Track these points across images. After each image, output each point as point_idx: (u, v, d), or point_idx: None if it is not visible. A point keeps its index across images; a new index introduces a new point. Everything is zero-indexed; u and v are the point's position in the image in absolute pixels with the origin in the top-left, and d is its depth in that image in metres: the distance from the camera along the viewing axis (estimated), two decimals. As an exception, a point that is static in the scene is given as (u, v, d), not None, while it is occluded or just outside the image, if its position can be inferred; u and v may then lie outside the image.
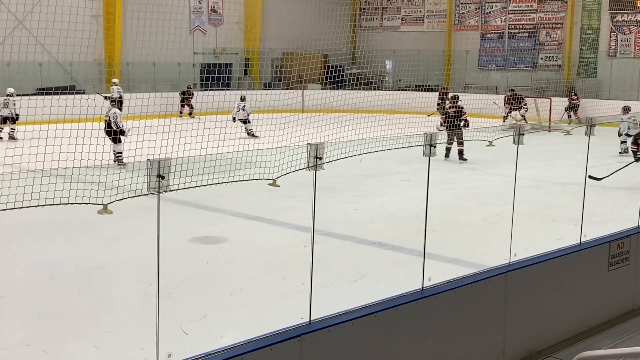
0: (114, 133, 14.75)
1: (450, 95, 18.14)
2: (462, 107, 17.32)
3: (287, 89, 26.60)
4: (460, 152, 16.78)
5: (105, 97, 19.35)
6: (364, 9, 35.69)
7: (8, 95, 19.82)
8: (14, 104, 19.61)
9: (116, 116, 15.11)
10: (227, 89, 26.28)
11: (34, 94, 21.76)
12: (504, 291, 6.05)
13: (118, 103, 16.20)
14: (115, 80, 24.05)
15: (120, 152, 14.56)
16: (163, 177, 5.57)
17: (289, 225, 10.33)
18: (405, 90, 27.39)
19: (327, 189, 12.26)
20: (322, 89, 28.70)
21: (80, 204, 9.63)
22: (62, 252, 8.80)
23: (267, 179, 11.95)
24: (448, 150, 16.88)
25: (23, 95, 20.96)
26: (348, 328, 5.03)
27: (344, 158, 9.35)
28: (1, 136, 19.27)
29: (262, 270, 8.31)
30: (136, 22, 25.81)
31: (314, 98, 25.63)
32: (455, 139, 16.58)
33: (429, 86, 28.53)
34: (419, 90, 26.55)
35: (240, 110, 21.32)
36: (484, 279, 5.93)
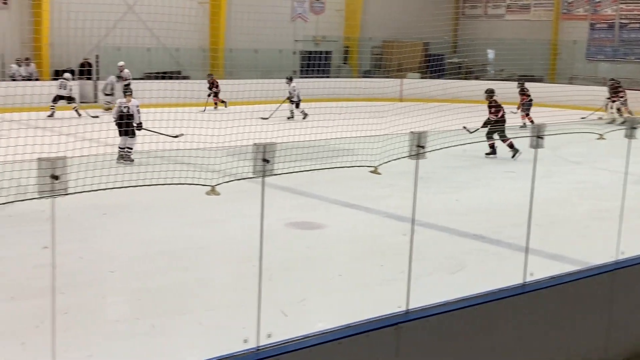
0: (130, 125, 13.04)
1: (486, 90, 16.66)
2: (493, 105, 15.98)
3: (386, 77, 26.47)
4: (510, 146, 15.20)
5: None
6: (468, -3, 35.11)
7: (65, 78, 20.43)
8: (70, 88, 20.28)
9: (138, 109, 13.44)
10: (326, 77, 26.44)
11: (142, 78, 22.53)
12: (609, 290, 5.87)
13: (129, 92, 14.11)
14: (121, 63, 23.85)
15: (131, 148, 12.94)
16: (268, 161, 5.68)
17: (385, 214, 10.33)
18: (508, 80, 26.77)
19: (424, 179, 12.17)
20: (421, 78, 28.42)
21: (191, 184, 10.01)
22: (170, 230, 9.10)
23: (369, 166, 12.00)
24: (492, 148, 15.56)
25: (132, 79, 21.72)
26: (446, 319, 5.01)
27: (446, 147, 9.28)
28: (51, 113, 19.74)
29: (360, 257, 8.36)
30: (240, 9, 26.32)
31: (412, 87, 25.41)
32: (498, 136, 15.39)
33: (533, 76, 27.79)
34: (522, 80, 25.88)
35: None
36: (588, 277, 5.78)
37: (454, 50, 31.32)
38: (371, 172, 12.32)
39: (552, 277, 5.64)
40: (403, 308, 4.99)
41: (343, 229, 9.64)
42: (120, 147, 12.74)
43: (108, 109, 20.11)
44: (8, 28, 23.25)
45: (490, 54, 32.76)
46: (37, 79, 22.76)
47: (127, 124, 12.85)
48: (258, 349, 4.48)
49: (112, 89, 22.35)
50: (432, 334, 4.97)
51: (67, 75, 20.70)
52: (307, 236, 9.13)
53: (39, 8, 23.28)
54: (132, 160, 12.50)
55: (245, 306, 5.63)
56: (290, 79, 21.85)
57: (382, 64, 29.81)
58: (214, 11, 26.99)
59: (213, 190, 10.50)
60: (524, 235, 5.71)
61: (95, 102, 22.89)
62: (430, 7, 27.25)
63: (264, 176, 5.27)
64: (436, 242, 8.88)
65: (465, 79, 27.88)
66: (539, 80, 28.30)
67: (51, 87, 19.77)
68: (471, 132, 14.51)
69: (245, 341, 4.61)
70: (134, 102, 13.39)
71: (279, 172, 5.89)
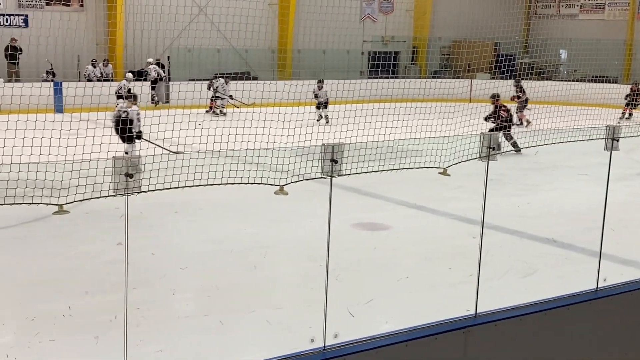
0: (129, 131, 12.33)
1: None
2: (502, 106, 16.16)
3: (455, 78, 26.19)
4: (514, 145, 15.32)
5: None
6: (540, -4, 34.44)
7: (126, 79, 20.61)
8: (128, 89, 20.42)
9: (139, 116, 12.94)
10: (394, 77, 26.32)
11: (213, 79, 22.86)
12: (687, 297, 5.68)
13: (133, 97, 13.46)
14: (150, 59, 24.12)
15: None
16: (336, 162, 5.70)
17: (453, 216, 10.22)
18: (581, 81, 26.13)
19: (494, 180, 11.98)
20: (491, 79, 28.00)
21: (260, 184, 10.14)
22: (238, 229, 9.21)
23: (437, 168, 11.90)
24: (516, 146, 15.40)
25: (202, 80, 22.05)
26: (515, 324, 4.93)
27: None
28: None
29: (427, 258, 8.30)
30: (309, 10, 26.44)
31: (482, 87, 25.07)
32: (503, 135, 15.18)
33: (607, 77, 27.05)
34: (596, 81, 25.24)
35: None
36: (665, 283, 5.61)
37: (526, 50, 30.75)
38: (440, 173, 12.21)
39: (626, 283, 5.50)
40: (472, 312, 4.94)
41: (410, 231, 9.58)
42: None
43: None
44: (84, 30, 23.94)
45: (563, 54, 32.06)
46: (112, 80, 23.35)
47: (125, 130, 12.17)
48: (324, 349, 4.50)
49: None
50: (501, 338, 4.90)
51: (129, 75, 21.07)
52: (373, 237, 9.11)
53: (114, 10, 23.90)
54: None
55: (312, 306, 5.67)
56: (321, 82, 21.40)
57: (451, 64, 29.49)
58: (283, 12, 27.22)
59: (281, 190, 10.58)
60: (596, 240, 5.58)
61: (167, 102, 23.32)
62: (501, 7, 26.82)
63: (332, 176, 5.28)
64: (506, 245, 8.74)
65: (537, 79, 27.34)
66: (614, 81, 27.51)
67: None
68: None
69: (312, 341, 4.63)
70: (134, 108, 12.93)
71: (347, 172, 5.90)
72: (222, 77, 22.26)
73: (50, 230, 9.04)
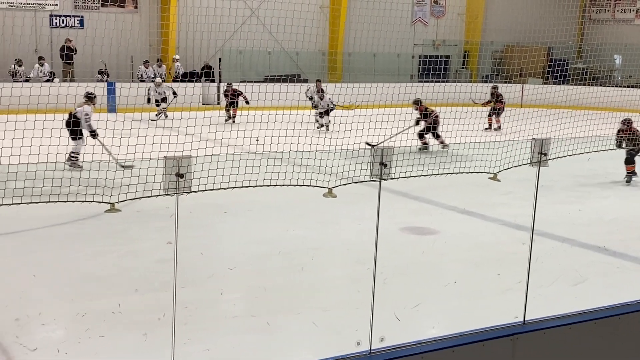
0: (76, 131, 12.46)
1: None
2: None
3: (506, 82, 25.88)
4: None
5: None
6: (595, 1, 33.79)
7: (157, 84, 20.59)
8: (160, 92, 20.41)
9: (87, 117, 12.94)
10: (444, 81, 26.13)
11: (263, 81, 23.03)
12: None
13: (87, 97, 13.25)
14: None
15: (77, 153, 12.61)
16: (385, 165, 5.69)
17: (502, 222, 10.11)
18: (636, 87, 25.59)
19: (545, 187, 11.82)
20: (543, 84, 27.61)
21: (309, 186, 10.19)
22: (286, 230, 9.27)
23: (487, 173, 11.78)
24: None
25: (253, 82, 22.19)
26: (564, 332, 4.85)
27: (569, 155, 8.98)
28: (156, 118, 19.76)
29: (476, 264, 8.21)
30: (360, 13, 26.44)
31: (534, 92, 24.73)
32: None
33: (664, 84, 26.44)
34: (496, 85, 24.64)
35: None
36: None
37: (579, 55, 30.21)
38: (490, 179, 12.08)
39: (681, 294, 5.37)
40: (520, 319, 4.88)
41: (458, 236, 9.50)
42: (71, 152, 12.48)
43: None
44: (137, 31, 24.34)
45: (618, 59, 31.42)
46: (164, 80, 23.66)
47: (72, 129, 12.39)
48: (370, 352, 4.49)
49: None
50: (550, 347, 4.82)
51: (157, 80, 21.07)
52: (421, 241, 9.06)
53: (167, 12, 24.27)
54: (80, 167, 12.13)
55: (359, 309, 5.67)
56: (322, 91, 20.50)
57: (502, 69, 29.17)
58: (334, 15, 27.27)
59: (330, 193, 10.59)
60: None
61: (218, 103, 23.50)
62: (555, 11, 26.40)
63: (381, 180, 5.28)
64: (556, 252, 8.61)
65: (591, 84, 26.85)
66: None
67: (179, 89, 20.38)
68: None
69: (358, 344, 4.63)
70: (85, 108, 12.95)
71: (396, 176, 5.88)
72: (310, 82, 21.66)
73: (101, 228, 9.21)
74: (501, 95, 20.05)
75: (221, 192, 8.55)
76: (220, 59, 24.99)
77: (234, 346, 5.83)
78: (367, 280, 4.91)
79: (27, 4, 23.04)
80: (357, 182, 10.15)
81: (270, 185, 9.45)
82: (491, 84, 20.89)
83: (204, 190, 7.63)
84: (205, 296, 6.93)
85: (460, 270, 7.98)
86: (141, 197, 8.27)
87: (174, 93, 19.84)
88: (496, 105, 19.92)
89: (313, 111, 19.71)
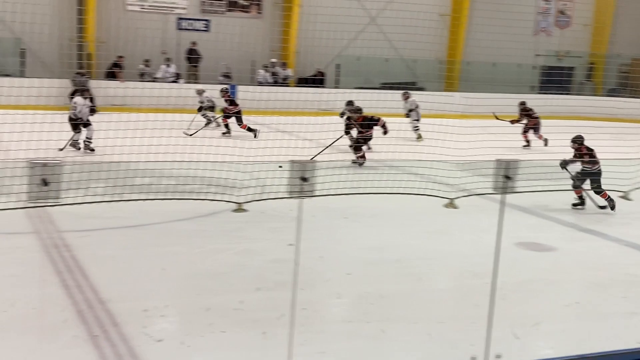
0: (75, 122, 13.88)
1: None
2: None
3: (633, 97, 24.84)
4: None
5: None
6: None
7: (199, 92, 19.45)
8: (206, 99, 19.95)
9: (75, 107, 13.99)
10: (567, 94, 25.33)
11: (379, 88, 23.04)
12: None
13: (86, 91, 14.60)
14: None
15: (77, 141, 13.84)
16: (510, 178, 5.60)
17: (626, 242, 9.70)
18: None
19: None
20: (672, 100, 26.29)
21: (430, 195, 10.17)
22: (404, 239, 9.23)
23: (617, 191, 11.35)
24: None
25: (369, 88, 22.22)
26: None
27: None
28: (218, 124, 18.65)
29: (598, 285, 7.91)
30: (481, 22, 26.05)
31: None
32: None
33: None
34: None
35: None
36: None
37: None
38: (620, 197, 11.68)
39: None
40: (647, 345, 4.69)
41: (579, 254, 9.19)
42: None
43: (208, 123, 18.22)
44: (260, 36, 24.92)
45: None
46: (287, 85, 24.01)
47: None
48: (488, 368, 4.42)
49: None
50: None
51: (199, 88, 20.83)
52: (540, 258, 8.82)
53: (289, 19, 24.73)
54: (93, 150, 13.53)
55: (475, 323, 5.59)
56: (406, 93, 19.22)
57: (629, 83, 27.98)
58: (455, 23, 26.94)
59: (451, 204, 10.53)
60: None
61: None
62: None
63: (504, 193, 5.19)
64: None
65: None
66: None
67: (294, 94, 20.55)
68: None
69: (473, 359, 4.57)
70: (76, 99, 14.10)
71: (520, 190, 5.77)
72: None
73: (218, 226, 9.48)
74: (531, 110, 18.80)
75: (342, 197, 8.73)
76: (339, 65, 25.19)
77: (348, 351, 5.87)
78: (484, 294, 4.85)
79: (158, 7, 24.03)
80: (477, 195, 10.05)
81: (391, 194, 9.49)
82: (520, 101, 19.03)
83: (325, 195, 7.73)
84: (322, 299, 7.03)
85: (581, 291, 7.72)
86: (266, 199, 8.47)
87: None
88: (529, 122, 18.60)
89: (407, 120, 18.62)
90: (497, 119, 16.98)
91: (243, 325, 6.15)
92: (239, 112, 17.60)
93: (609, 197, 11.10)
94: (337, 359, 5.73)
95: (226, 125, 17.57)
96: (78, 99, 13.94)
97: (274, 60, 24.40)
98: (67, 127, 13.41)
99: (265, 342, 5.81)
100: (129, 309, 6.32)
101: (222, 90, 17.92)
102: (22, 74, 21.00)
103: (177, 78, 22.87)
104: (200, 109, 18.45)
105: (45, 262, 7.55)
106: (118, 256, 7.91)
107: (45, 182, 4.69)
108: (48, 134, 10.47)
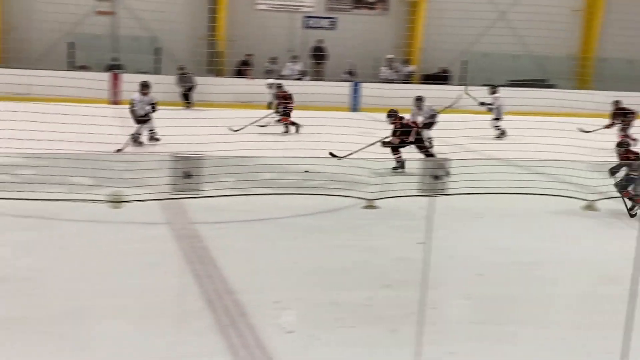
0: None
1: None
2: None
3: None
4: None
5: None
6: None
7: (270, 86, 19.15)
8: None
9: (133, 102, 13.95)
10: None
11: (507, 86, 22.42)
12: None
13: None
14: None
15: (138, 135, 13.71)
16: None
17: None
18: None
19: None
20: None
21: (568, 197, 9.77)
22: (533, 240, 8.93)
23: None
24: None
25: (496, 86, 21.66)
26: None
27: None
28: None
29: None
30: (617, 17, 24.88)
31: None
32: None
33: None
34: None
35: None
36: None
37: None
38: None
39: None
40: None
41: None
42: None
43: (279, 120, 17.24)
44: (385, 33, 24.87)
45: None
46: (410, 82, 23.83)
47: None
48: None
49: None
50: None
51: (270, 81, 20.19)
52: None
53: (416, 15, 24.51)
54: (141, 143, 13.55)
55: (613, 331, 5.30)
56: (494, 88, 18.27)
57: None
58: (588, 18, 25.88)
59: (590, 206, 10.09)
60: None
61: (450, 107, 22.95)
62: None
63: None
64: None
65: None
66: None
67: (417, 91, 20.21)
68: None
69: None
70: (134, 95, 14.03)
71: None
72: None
73: (340, 222, 9.50)
74: (627, 108, 17.06)
75: (474, 197, 8.52)
76: (466, 62, 24.75)
77: (478, 352, 5.73)
78: (621, 302, 4.61)
79: (286, 5, 24.43)
80: (613, 198, 9.59)
81: (526, 194, 9.18)
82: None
83: (457, 194, 7.58)
84: (452, 299, 6.91)
85: None
86: (396, 196, 8.41)
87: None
88: (625, 120, 16.83)
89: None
90: (584, 132, 15.81)
91: (372, 322, 6.14)
92: (289, 106, 16.99)
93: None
94: (467, 361, 5.60)
95: (289, 124, 16.81)
96: (136, 95, 13.93)
97: (390, 56, 24.20)
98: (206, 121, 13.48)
99: (394, 339, 5.76)
100: (259, 301, 6.43)
101: (276, 86, 17.64)
102: (156, 71, 21.92)
103: (302, 75, 23.17)
104: (270, 104, 18.49)
105: (178, 252, 7.81)
106: (247, 249, 8.08)
107: (187, 175, 4.85)
108: (189, 129, 10.79)
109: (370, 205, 9.69)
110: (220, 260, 7.50)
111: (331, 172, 10.57)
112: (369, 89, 21.13)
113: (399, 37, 24.85)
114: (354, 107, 22.20)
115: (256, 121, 16.22)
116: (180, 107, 19.65)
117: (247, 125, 15.34)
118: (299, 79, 22.52)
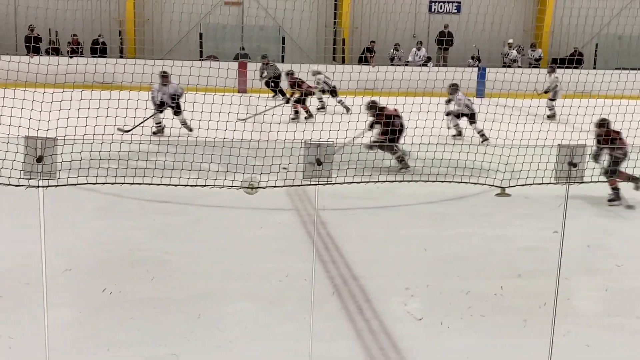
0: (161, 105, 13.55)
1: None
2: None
3: None
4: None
5: None
6: None
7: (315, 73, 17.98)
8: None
9: (152, 91, 13.50)
10: None
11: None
12: None
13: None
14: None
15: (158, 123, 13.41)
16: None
17: None
18: None
19: None
20: None
21: None
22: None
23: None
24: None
25: (631, 69, 20.63)
26: None
27: None
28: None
29: None
30: None
31: None
32: None
33: None
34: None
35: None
36: None
37: None
38: None
39: None
40: None
41: None
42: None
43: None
44: (513, 16, 24.16)
45: None
46: (538, 67, 23.12)
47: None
48: None
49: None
50: None
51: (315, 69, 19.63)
52: None
53: (547, -5, 23.68)
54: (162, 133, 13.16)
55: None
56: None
57: None
58: None
59: None
60: None
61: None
62: None
63: None
64: None
65: None
66: None
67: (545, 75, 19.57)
68: None
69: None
70: (153, 85, 13.51)
71: None
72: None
73: (467, 210, 9.40)
74: None
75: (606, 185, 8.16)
76: (596, 45, 23.75)
77: (614, 346, 5.52)
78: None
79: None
80: None
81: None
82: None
83: (589, 182, 7.30)
84: (587, 290, 6.72)
85: None
86: (531, 184, 8.13)
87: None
88: None
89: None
90: None
91: (503, 312, 6.03)
92: (305, 93, 16.56)
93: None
94: (602, 354, 5.40)
95: (304, 111, 16.47)
96: (156, 85, 13.64)
97: (510, 40, 23.43)
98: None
99: (526, 330, 5.64)
100: (386, 287, 6.48)
101: (287, 73, 17.02)
102: (282, 60, 22.31)
103: (426, 61, 22.93)
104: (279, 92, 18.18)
105: (305, 238, 7.94)
106: (372, 236, 8.13)
107: (319, 162, 4.92)
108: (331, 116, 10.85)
109: (502, 193, 9.45)
110: (345, 247, 7.57)
111: (457, 158, 10.39)
112: (494, 74, 20.60)
113: (527, 21, 24.10)
114: (480, 92, 21.75)
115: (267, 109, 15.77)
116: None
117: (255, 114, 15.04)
118: (423, 65, 22.32)
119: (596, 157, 9.39)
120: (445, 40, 23.55)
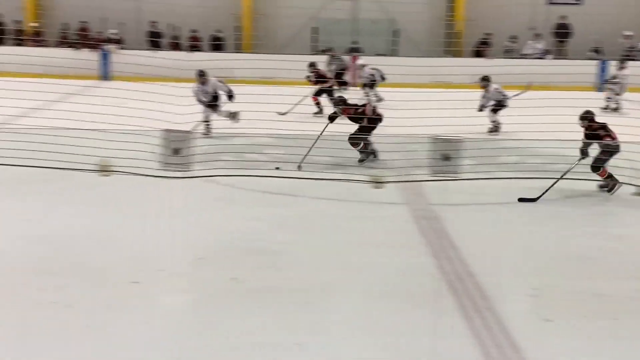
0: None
1: None
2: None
3: None
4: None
5: None
6: None
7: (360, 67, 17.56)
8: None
9: (195, 90, 13.17)
10: None
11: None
12: None
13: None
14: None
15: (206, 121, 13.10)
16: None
17: None
18: None
19: None
20: None
21: None
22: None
23: None
24: None
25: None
26: None
27: None
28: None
29: None
30: None
31: None
32: None
33: None
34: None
35: None
36: None
37: None
38: None
39: None
40: None
41: None
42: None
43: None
44: (637, 7, 23.11)
45: None
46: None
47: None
48: None
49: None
50: None
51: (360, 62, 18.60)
52: None
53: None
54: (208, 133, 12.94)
55: None
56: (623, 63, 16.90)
57: None
58: None
59: None
60: None
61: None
62: None
63: None
64: None
65: None
66: None
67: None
68: None
69: None
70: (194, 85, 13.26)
71: None
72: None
73: (589, 209, 9.13)
74: None
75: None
76: None
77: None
78: None
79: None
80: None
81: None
82: None
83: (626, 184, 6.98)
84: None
85: None
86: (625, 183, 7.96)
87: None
88: None
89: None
90: None
91: (636, 316, 5.84)
92: (330, 87, 15.88)
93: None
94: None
95: (317, 104, 15.75)
96: (193, 85, 13.24)
97: (628, 33, 22.24)
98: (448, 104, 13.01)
99: (617, 330, 5.51)
100: (505, 285, 6.39)
101: (310, 65, 16.17)
102: (393, 54, 22.21)
103: (544, 54, 22.24)
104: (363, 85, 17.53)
105: (417, 232, 7.92)
106: (487, 232, 8.01)
107: (447, 157, 4.94)
108: (438, 111, 10.74)
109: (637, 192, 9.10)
110: (459, 242, 7.49)
111: (574, 155, 10.07)
112: (615, 68, 19.75)
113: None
114: (600, 86, 20.92)
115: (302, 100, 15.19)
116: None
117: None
118: (541, 58, 21.69)
119: (584, 151, 9.39)
120: (563, 32, 22.72)
